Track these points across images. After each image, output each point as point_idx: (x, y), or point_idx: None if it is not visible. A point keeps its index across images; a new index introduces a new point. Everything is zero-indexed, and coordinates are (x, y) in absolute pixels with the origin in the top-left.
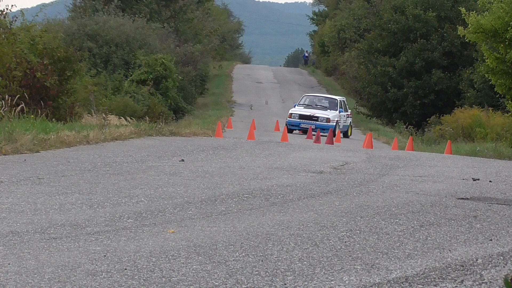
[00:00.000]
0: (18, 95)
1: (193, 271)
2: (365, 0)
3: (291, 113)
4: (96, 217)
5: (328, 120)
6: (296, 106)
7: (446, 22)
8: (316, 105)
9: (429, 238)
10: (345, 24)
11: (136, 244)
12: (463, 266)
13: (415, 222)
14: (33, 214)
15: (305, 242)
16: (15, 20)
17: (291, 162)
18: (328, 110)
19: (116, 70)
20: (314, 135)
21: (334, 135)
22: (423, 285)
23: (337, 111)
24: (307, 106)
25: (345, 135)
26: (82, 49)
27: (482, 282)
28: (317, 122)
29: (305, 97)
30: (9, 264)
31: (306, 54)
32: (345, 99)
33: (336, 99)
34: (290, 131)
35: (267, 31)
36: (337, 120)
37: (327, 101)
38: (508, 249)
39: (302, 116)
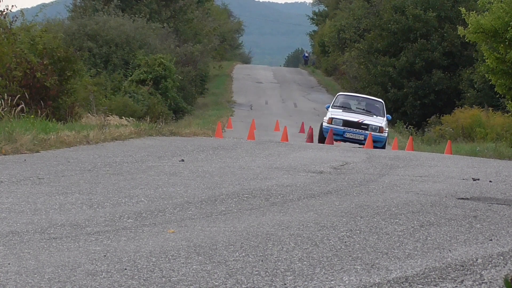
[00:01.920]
0: (18, 95)
1: (193, 271)
2: (365, 0)
3: (333, 118)
4: (96, 217)
5: (381, 130)
6: (330, 108)
7: (446, 22)
8: (357, 108)
9: (429, 238)
10: (345, 24)
11: (136, 244)
12: (463, 266)
13: (415, 222)
14: (33, 214)
15: (305, 242)
16: (15, 20)
17: (291, 162)
18: (375, 116)
19: (116, 70)
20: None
21: (384, 147)
22: (423, 285)
23: (385, 118)
24: (345, 109)
25: (382, 148)
26: (82, 49)
27: (482, 282)
28: (367, 132)
29: (340, 96)
30: (9, 264)
31: (306, 54)
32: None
33: (381, 102)
34: (322, 139)
35: (267, 31)
36: (387, 131)
37: (370, 104)
38: (508, 249)
39: (347, 123)
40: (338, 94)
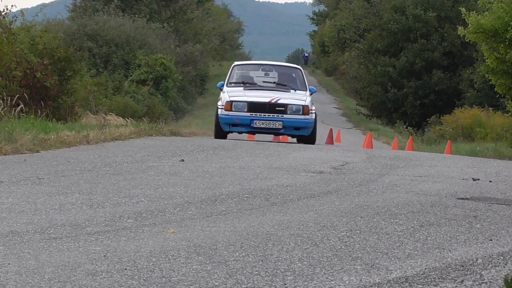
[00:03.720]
0: (18, 95)
1: (193, 271)
2: (365, 0)
3: (232, 101)
4: (96, 217)
5: (306, 110)
6: (225, 87)
7: (446, 22)
8: (266, 82)
9: (429, 238)
10: (345, 24)
11: (136, 244)
12: (463, 266)
13: (415, 222)
14: (33, 214)
15: (305, 242)
16: (15, 20)
17: (291, 162)
18: (293, 91)
19: (116, 70)
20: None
21: (313, 141)
22: (423, 285)
23: (308, 92)
24: (250, 85)
25: (309, 139)
26: (82, 49)
27: (482, 282)
28: (286, 116)
29: (237, 68)
30: (9, 264)
31: (306, 54)
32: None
33: (299, 69)
34: (223, 135)
35: (267, 31)
36: (315, 110)
37: (283, 74)
38: (508, 249)
39: (255, 106)
40: (234, 64)
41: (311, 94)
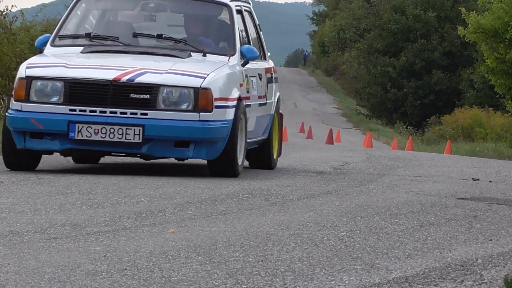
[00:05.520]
0: None
1: (193, 271)
2: (365, 0)
3: (31, 77)
4: (96, 217)
5: (202, 97)
6: (51, 46)
7: (446, 22)
8: (139, 36)
9: (429, 238)
10: (345, 24)
11: (136, 244)
12: (463, 266)
13: (415, 222)
14: (33, 214)
15: (305, 242)
16: (15, 20)
17: (291, 162)
18: (197, 56)
19: None
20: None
21: (232, 172)
22: (423, 285)
23: (235, 56)
24: (104, 44)
25: (220, 166)
26: None
27: (482, 282)
28: (152, 115)
29: (85, 3)
30: (9, 264)
31: (306, 53)
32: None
33: (224, 7)
34: (16, 157)
35: (267, 31)
36: (243, 107)
37: (190, 16)
38: (508, 249)
39: (79, 90)
40: None
41: (245, 63)
